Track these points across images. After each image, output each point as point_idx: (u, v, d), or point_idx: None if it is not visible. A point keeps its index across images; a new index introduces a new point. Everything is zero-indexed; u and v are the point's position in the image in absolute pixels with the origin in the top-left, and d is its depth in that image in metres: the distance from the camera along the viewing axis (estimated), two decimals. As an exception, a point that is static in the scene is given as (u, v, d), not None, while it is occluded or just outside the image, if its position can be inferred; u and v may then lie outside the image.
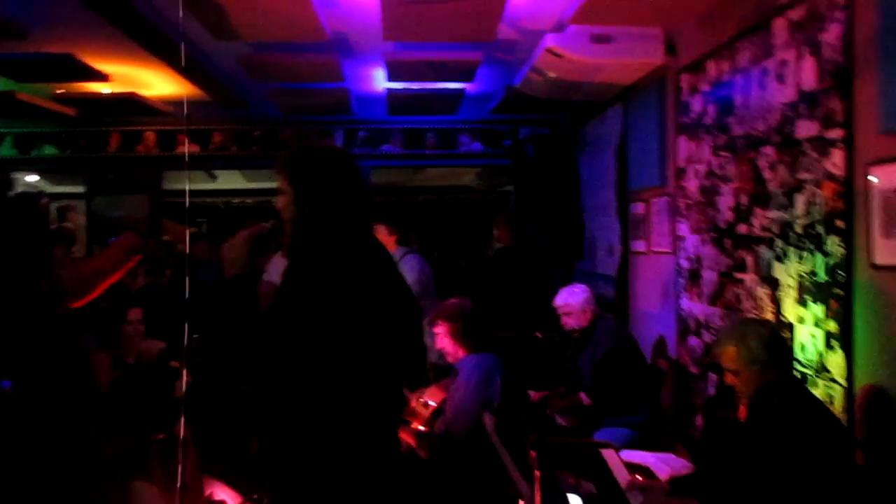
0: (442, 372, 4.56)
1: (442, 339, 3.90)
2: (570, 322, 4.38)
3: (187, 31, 4.50)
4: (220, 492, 3.92)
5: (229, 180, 10.44)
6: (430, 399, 4.02)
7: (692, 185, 4.52)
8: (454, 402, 3.70)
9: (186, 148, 7.60)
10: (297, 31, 4.59)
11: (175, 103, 6.67)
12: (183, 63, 4.67)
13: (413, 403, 4.01)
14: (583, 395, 4.28)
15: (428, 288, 4.95)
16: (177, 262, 5.84)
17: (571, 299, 4.39)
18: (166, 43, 4.66)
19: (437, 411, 3.91)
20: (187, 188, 3.22)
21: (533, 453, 2.28)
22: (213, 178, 10.22)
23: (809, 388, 3.16)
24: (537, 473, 2.24)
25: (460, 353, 3.87)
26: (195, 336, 4.89)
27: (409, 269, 4.83)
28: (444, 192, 11.68)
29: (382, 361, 2.25)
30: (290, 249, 2.28)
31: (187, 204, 3.06)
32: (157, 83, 6.02)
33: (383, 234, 4.88)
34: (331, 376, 2.14)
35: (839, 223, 3.03)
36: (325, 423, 2.16)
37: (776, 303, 3.54)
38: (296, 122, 7.63)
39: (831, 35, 3.10)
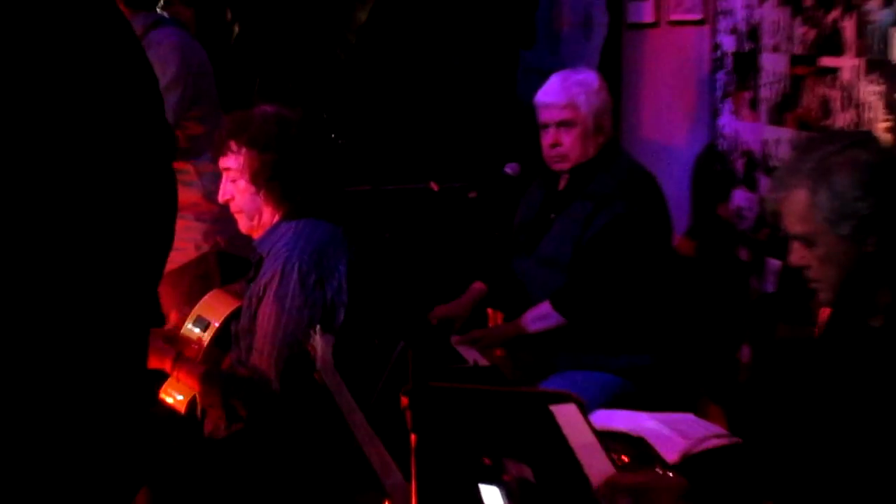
0: (237, 266, 3.17)
1: (235, 187, 2.48)
2: (566, 142, 2.59)
3: None
4: None
5: None
6: (208, 314, 2.64)
7: None
8: (261, 317, 2.46)
9: None
10: None
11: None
12: None
13: (172, 321, 2.63)
14: (546, 307, 2.63)
15: (205, 89, 3.07)
16: None
17: (585, 87, 2.60)
18: None
19: (221, 337, 2.59)
20: None
21: (405, 400, 1.48)
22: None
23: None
24: (413, 439, 1.50)
25: (268, 218, 2.50)
26: None
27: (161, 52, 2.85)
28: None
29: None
30: None
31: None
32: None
33: None
34: None
35: None
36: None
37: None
38: None
39: None
